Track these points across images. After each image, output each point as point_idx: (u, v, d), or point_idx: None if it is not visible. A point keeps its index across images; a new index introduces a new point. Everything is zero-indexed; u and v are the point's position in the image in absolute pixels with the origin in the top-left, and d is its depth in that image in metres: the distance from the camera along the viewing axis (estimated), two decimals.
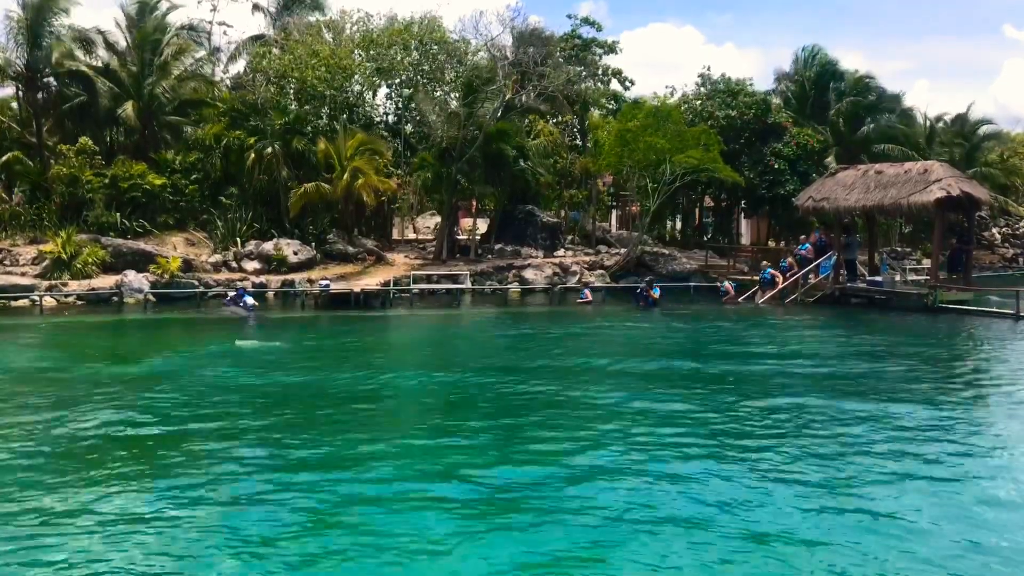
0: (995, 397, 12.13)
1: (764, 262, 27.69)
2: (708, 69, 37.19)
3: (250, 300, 22.40)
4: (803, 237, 28.17)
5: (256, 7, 38.22)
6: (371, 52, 31.95)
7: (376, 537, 6.54)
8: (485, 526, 6.81)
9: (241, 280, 25.93)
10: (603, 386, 12.52)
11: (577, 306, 24.91)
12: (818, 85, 38.88)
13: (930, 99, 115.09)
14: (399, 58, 31.68)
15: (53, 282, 24.24)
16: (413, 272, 27.91)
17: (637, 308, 24.11)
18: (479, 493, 7.55)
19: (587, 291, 26.19)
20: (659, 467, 8.29)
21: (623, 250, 32.67)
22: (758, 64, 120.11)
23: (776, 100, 35.88)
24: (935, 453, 8.83)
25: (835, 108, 38.55)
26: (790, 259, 26.58)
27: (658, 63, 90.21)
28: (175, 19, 34.20)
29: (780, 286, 25.10)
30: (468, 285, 27.37)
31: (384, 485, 7.80)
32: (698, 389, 12.28)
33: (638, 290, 24.99)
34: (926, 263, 32.46)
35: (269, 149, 29.53)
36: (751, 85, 35.88)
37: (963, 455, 8.77)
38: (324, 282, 25.26)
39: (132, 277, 24.67)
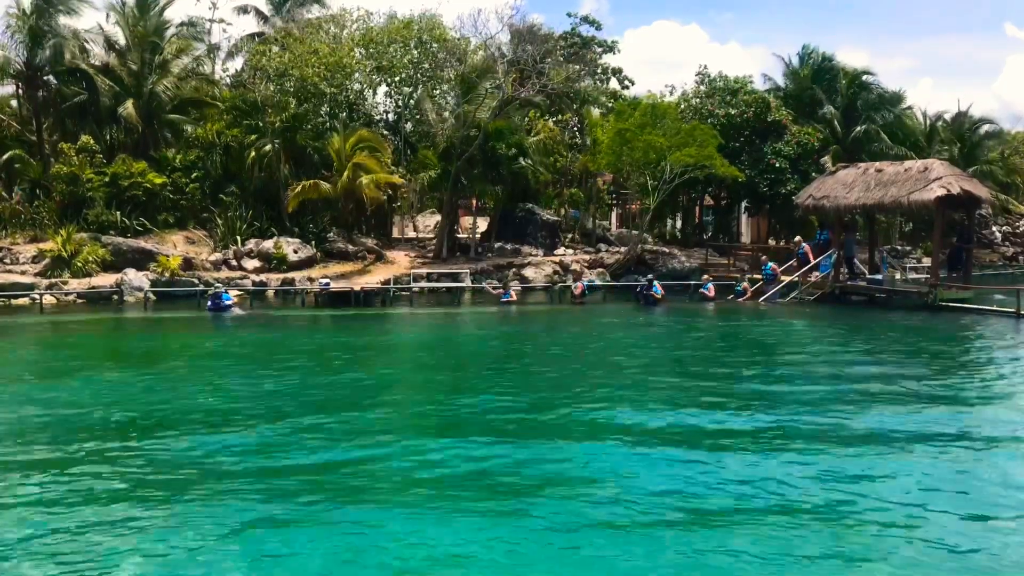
0: (1000, 396, 12.11)
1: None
2: (705, 67, 37.28)
3: (229, 300, 22.50)
4: (764, 258, 27.91)
5: (243, 10, 38.27)
6: (370, 50, 31.94)
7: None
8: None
9: (241, 278, 25.95)
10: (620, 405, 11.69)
11: (571, 306, 24.59)
12: (816, 83, 38.88)
13: (935, 97, 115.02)
14: (398, 56, 31.67)
15: (53, 280, 24.24)
16: (413, 270, 27.91)
17: (638, 306, 24.10)
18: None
19: (512, 292, 24.95)
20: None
21: (623, 248, 32.65)
22: (763, 62, 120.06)
23: (774, 100, 35.76)
24: (939, 454, 8.83)
25: (834, 107, 38.54)
26: (744, 284, 25.92)
27: (663, 61, 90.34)
28: (174, 16, 34.29)
29: (749, 294, 25.17)
30: (468, 283, 27.35)
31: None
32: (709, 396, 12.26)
33: (638, 288, 24.96)
34: (926, 261, 32.46)
35: (269, 147, 29.52)
36: (750, 83, 35.88)
37: (971, 454, 8.78)
38: (324, 281, 25.25)
39: (132, 275, 24.68)
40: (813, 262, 25.78)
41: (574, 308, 24.22)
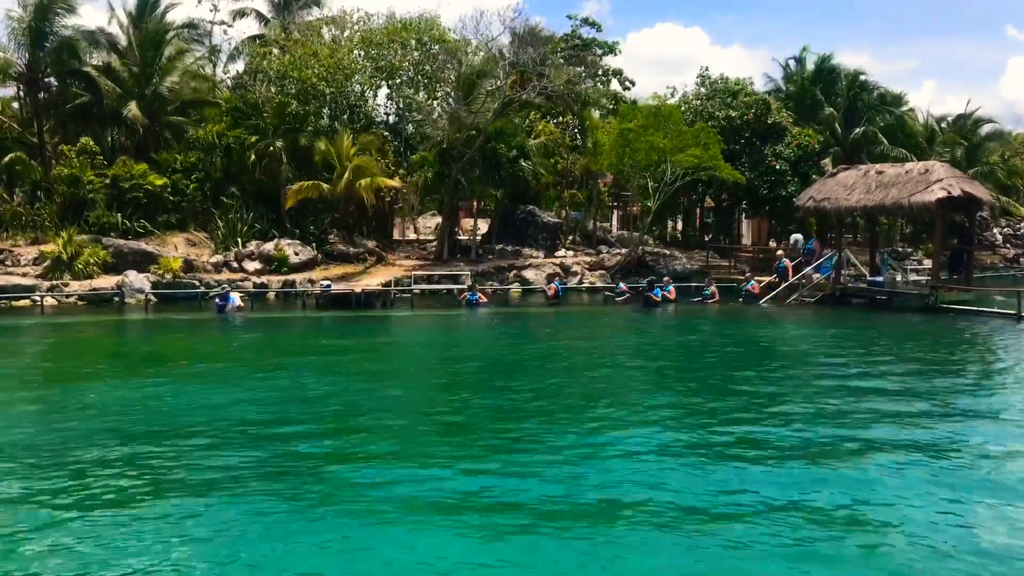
0: (999, 397, 12.11)
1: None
2: (706, 69, 37.23)
3: (234, 303, 22.51)
4: (748, 273, 28.00)
5: (242, 13, 38.26)
6: (370, 52, 31.94)
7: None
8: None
9: (242, 280, 25.93)
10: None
11: (543, 307, 24.66)
12: (816, 85, 38.86)
13: (938, 99, 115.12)
14: (398, 57, 31.66)
15: (54, 282, 24.22)
16: (414, 272, 27.90)
17: (639, 308, 24.13)
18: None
19: (479, 294, 25.00)
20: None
21: (624, 250, 32.66)
22: (765, 64, 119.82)
23: (774, 102, 35.76)
24: (942, 455, 8.83)
25: (834, 108, 38.53)
26: (712, 288, 25.84)
27: (666, 62, 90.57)
28: (175, 18, 34.31)
29: (716, 297, 25.29)
30: (469, 285, 27.33)
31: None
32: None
33: (641, 292, 24.94)
34: (927, 263, 32.45)
35: (270, 148, 29.52)
36: (751, 85, 35.87)
37: (975, 454, 8.78)
38: (325, 282, 25.24)
39: (133, 277, 24.65)
40: (798, 275, 25.78)
41: (562, 309, 24.28)
